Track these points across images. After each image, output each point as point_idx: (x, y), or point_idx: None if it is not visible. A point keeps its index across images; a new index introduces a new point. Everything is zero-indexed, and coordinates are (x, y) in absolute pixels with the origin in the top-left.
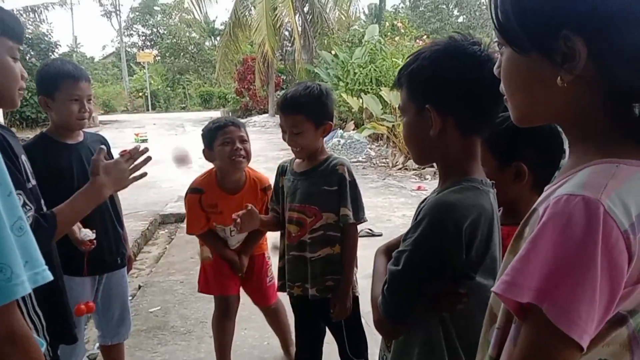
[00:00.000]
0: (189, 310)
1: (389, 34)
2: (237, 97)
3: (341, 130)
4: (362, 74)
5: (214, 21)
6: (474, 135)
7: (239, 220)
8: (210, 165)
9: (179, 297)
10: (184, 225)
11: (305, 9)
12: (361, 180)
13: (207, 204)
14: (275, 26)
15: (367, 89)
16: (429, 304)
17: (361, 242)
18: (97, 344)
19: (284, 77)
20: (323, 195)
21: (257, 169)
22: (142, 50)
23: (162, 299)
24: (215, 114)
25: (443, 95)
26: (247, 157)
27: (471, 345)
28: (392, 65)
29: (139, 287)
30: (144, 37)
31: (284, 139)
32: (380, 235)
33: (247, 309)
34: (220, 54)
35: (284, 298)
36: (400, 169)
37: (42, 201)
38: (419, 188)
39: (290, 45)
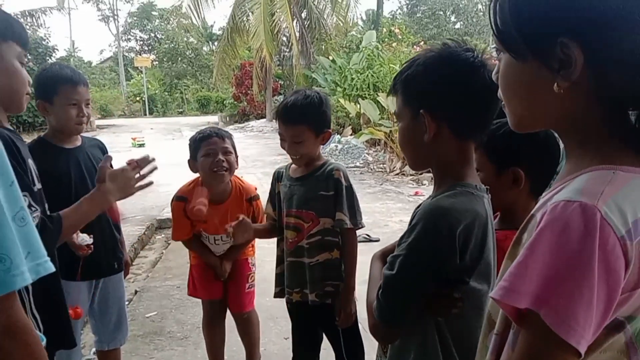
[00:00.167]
0: (185, 315)
1: (386, 40)
2: (235, 102)
3: (339, 136)
4: (359, 80)
5: (211, 26)
6: (468, 141)
7: (231, 230)
8: None
9: (176, 302)
10: None
11: (303, 15)
12: (358, 185)
13: (191, 213)
14: (273, 32)
15: (365, 94)
16: (424, 308)
17: (358, 248)
18: (94, 349)
19: (282, 82)
20: (320, 200)
21: (255, 174)
22: (140, 55)
23: (159, 304)
24: (213, 118)
25: (437, 100)
26: (230, 169)
27: (466, 350)
28: (389, 71)
29: (136, 292)
30: (141, 42)
31: (283, 147)
32: (377, 240)
33: None
34: (217, 59)
35: (277, 306)
36: (397, 174)
37: (47, 205)
38: (416, 193)
39: (288, 50)
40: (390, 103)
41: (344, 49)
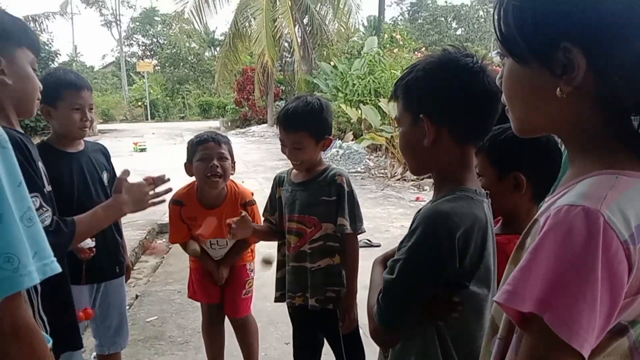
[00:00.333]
0: (186, 320)
1: (387, 45)
2: (236, 107)
3: (340, 141)
4: (361, 85)
5: (213, 32)
6: (468, 145)
7: (234, 225)
8: None
9: (176, 307)
10: None
11: (305, 21)
12: (360, 190)
13: (186, 217)
14: (275, 37)
15: (366, 100)
16: (424, 312)
17: (360, 253)
18: (94, 353)
19: (283, 88)
20: (322, 205)
21: (256, 179)
22: (142, 60)
23: (160, 309)
24: (214, 123)
25: (436, 105)
26: (224, 175)
27: (467, 354)
28: (390, 76)
29: (136, 296)
30: (143, 47)
31: (284, 152)
32: (378, 245)
33: None
34: (219, 64)
35: (277, 311)
36: (398, 179)
37: (56, 207)
38: (417, 199)
39: (289, 56)
40: (392, 108)
41: (346, 55)
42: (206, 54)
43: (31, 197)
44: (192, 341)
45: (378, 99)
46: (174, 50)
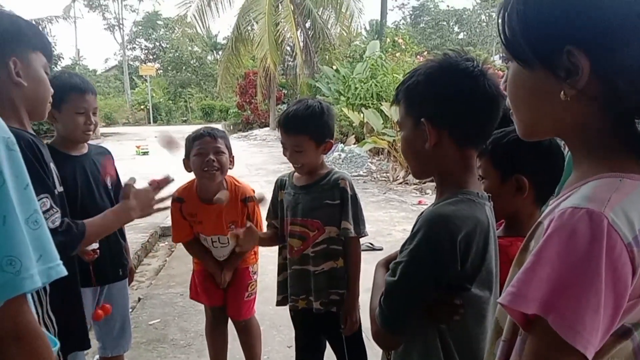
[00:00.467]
0: (188, 323)
1: (389, 49)
2: (239, 111)
3: (342, 145)
4: (363, 89)
5: (216, 36)
6: (470, 148)
7: (241, 236)
8: None
9: (179, 310)
10: None
11: (307, 25)
12: (362, 194)
13: (187, 213)
14: (277, 41)
15: (368, 103)
16: (425, 314)
17: (362, 256)
18: (97, 356)
19: (286, 91)
20: (325, 209)
21: (258, 182)
22: (145, 63)
23: (162, 312)
24: (217, 127)
25: (437, 109)
26: (221, 169)
27: (469, 356)
28: (393, 80)
29: (139, 299)
30: (146, 51)
31: (285, 155)
32: (381, 249)
33: None
34: (222, 68)
35: (280, 315)
36: (400, 183)
37: (67, 208)
38: (419, 202)
39: (292, 60)
40: (394, 112)
41: (348, 59)
42: (209, 57)
43: (41, 199)
44: (195, 344)
45: (380, 103)
46: (177, 54)
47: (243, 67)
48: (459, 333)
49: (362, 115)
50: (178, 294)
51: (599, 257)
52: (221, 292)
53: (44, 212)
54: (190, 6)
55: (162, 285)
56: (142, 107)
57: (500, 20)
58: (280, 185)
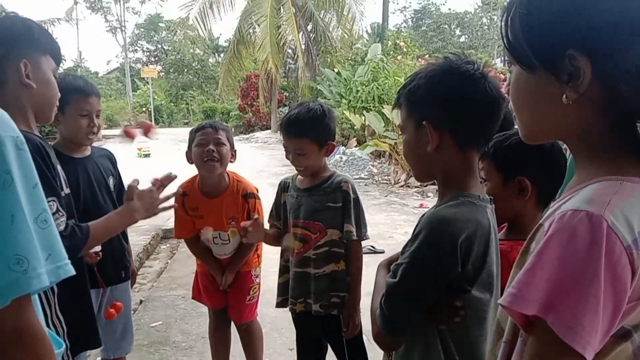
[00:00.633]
0: (190, 325)
1: (391, 52)
2: (240, 113)
3: (343, 147)
4: (364, 92)
5: (218, 38)
6: (471, 151)
7: (249, 229)
8: None
9: (181, 312)
10: None
11: (309, 28)
12: (363, 197)
13: (189, 207)
14: (279, 44)
15: (370, 106)
16: (426, 316)
17: (363, 259)
18: (99, 358)
19: (287, 94)
20: (328, 211)
21: (260, 185)
22: (147, 65)
23: (164, 314)
24: None
25: (438, 112)
26: (221, 160)
27: (470, 358)
28: (394, 83)
29: (141, 301)
30: (148, 53)
31: (288, 158)
32: (382, 252)
33: None
34: (223, 70)
35: (281, 317)
36: (402, 186)
37: (74, 209)
38: (421, 205)
39: (293, 62)
40: (395, 115)
41: (349, 62)
42: (210, 60)
43: (48, 202)
44: (197, 346)
45: (382, 106)
46: (179, 56)
47: (245, 69)
48: (460, 335)
49: (363, 118)
50: (180, 296)
51: (598, 259)
52: (223, 295)
53: None
54: (192, 9)
55: (163, 287)
56: (143, 109)
57: (503, 24)
58: (283, 188)
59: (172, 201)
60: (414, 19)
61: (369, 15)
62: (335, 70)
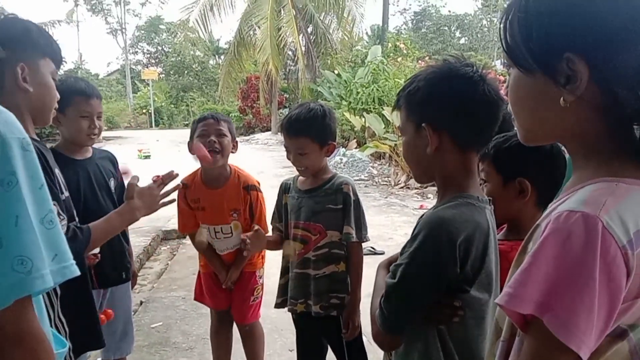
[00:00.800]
0: (190, 326)
1: (391, 54)
2: (240, 115)
3: (343, 149)
4: (364, 94)
5: (218, 40)
6: (470, 152)
7: (248, 240)
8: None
9: (181, 313)
10: (185, 241)
11: (309, 30)
12: (363, 198)
13: (190, 199)
14: (279, 46)
15: (370, 108)
16: (425, 316)
17: (363, 261)
18: (99, 359)
19: (287, 96)
20: (328, 213)
21: (260, 186)
22: (147, 67)
23: (164, 315)
24: None
25: (437, 113)
26: (223, 151)
27: (469, 357)
28: (394, 85)
29: (141, 302)
30: (148, 55)
31: (289, 159)
32: (382, 253)
33: None
34: (224, 72)
35: (282, 318)
36: (402, 187)
37: (75, 211)
38: (421, 207)
39: (293, 64)
40: (395, 117)
41: (350, 63)
42: (211, 62)
43: None
44: (197, 347)
45: (382, 107)
46: (179, 58)
47: (245, 71)
48: (459, 334)
49: (363, 119)
50: (180, 297)
51: (593, 259)
52: (227, 296)
53: None
54: (193, 11)
55: (164, 288)
56: (144, 111)
57: (501, 27)
58: (284, 189)
59: (173, 195)
60: (414, 21)
61: (369, 17)
62: (336, 72)
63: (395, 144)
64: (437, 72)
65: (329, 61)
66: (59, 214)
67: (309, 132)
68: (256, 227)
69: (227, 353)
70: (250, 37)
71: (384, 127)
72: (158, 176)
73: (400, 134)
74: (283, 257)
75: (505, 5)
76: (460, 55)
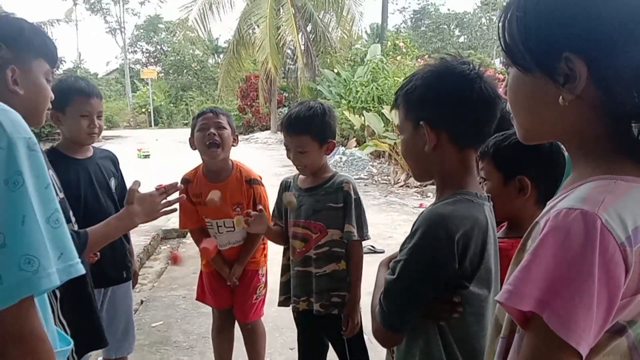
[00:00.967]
0: (191, 325)
1: (390, 53)
2: (240, 114)
3: (343, 148)
4: (364, 92)
5: (217, 39)
6: (469, 149)
7: (252, 214)
8: None
9: (181, 312)
10: (185, 240)
11: (309, 28)
12: (363, 197)
13: (193, 194)
14: (279, 45)
15: (369, 106)
16: (425, 312)
17: (363, 259)
18: (100, 358)
19: (287, 95)
20: (329, 212)
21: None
22: (146, 66)
23: (165, 314)
24: None
25: (435, 111)
26: (223, 144)
27: (469, 353)
28: (394, 83)
29: (141, 301)
30: (147, 54)
31: (289, 157)
32: (382, 252)
33: None
34: (223, 71)
35: (282, 317)
36: (402, 186)
37: (71, 212)
38: (420, 205)
39: (293, 63)
40: (394, 116)
41: (349, 62)
42: (210, 61)
43: None
44: (197, 346)
45: (381, 106)
46: (178, 57)
47: (244, 70)
48: (459, 331)
49: (363, 118)
50: (180, 297)
51: (592, 256)
52: (229, 294)
53: None
54: (192, 10)
55: (164, 287)
56: (143, 110)
57: (500, 26)
58: (285, 187)
59: (175, 205)
60: (413, 20)
61: (368, 15)
62: (335, 70)
63: (395, 143)
64: (434, 70)
65: (328, 60)
66: None
67: (309, 130)
68: (259, 207)
69: (229, 351)
70: (250, 35)
71: (384, 126)
72: (162, 185)
73: (399, 133)
74: (283, 255)
75: (504, 4)
76: (457, 54)
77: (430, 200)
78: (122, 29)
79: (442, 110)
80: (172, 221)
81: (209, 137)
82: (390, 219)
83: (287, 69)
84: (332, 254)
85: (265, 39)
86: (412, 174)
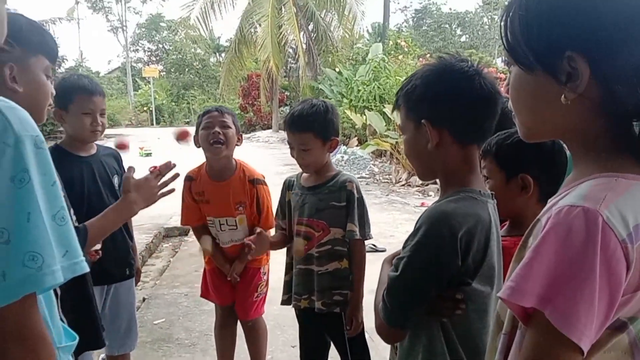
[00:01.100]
0: (193, 322)
1: (392, 52)
2: (241, 113)
3: (345, 147)
4: (365, 91)
5: (219, 38)
6: (471, 146)
7: (253, 245)
8: None
9: (184, 310)
10: (187, 238)
11: (310, 27)
12: (365, 196)
13: (195, 192)
14: (280, 44)
15: (371, 105)
16: (428, 309)
17: (366, 258)
18: (103, 355)
19: (288, 94)
20: (331, 210)
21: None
22: (148, 65)
23: (167, 312)
24: None
25: (435, 109)
26: (227, 142)
27: (472, 350)
28: (395, 82)
29: (144, 299)
30: (149, 53)
31: (292, 155)
32: (383, 250)
33: None
34: (224, 70)
35: (284, 315)
36: (403, 185)
37: (72, 210)
38: (422, 204)
39: (294, 62)
40: (396, 115)
41: (350, 61)
42: (211, 59)
43: None
44: (200, 344)
45: (383, 105)
46: (180, 56)
47: (246, 69)
48: (462, 327)
49: (364, 117)
50: (182, 294)
51: (593, 253)
52: (231, 291)
53: None
54: (194, 8)
55: (166, 285)
56: (145, 108)
57: (502, 25)
58: (288, 186)
59: (171, 185)
60: (415, 19)
61: (369, 14)
62: (337, 69)
63: (397, 142)
64: (432, 69)
65: (330, 59)
66: None
67: (312, 127)
68: (258, 229)
69: (230, 349)
70: (251, 34)
71: (385, 125)
72: (155, 167)
73: (401, 133)
74: (287, 254)
75: (506, 3)
76: (455, 53)
77: (431, 199)
78: (124, 28)
79: (443, 107)
80: (173, 219)
81: (214, 135)
82: (392, 217)
83: (288, 67)
84: (335, 253)
85: (267, 38)
86: (416, 173)
